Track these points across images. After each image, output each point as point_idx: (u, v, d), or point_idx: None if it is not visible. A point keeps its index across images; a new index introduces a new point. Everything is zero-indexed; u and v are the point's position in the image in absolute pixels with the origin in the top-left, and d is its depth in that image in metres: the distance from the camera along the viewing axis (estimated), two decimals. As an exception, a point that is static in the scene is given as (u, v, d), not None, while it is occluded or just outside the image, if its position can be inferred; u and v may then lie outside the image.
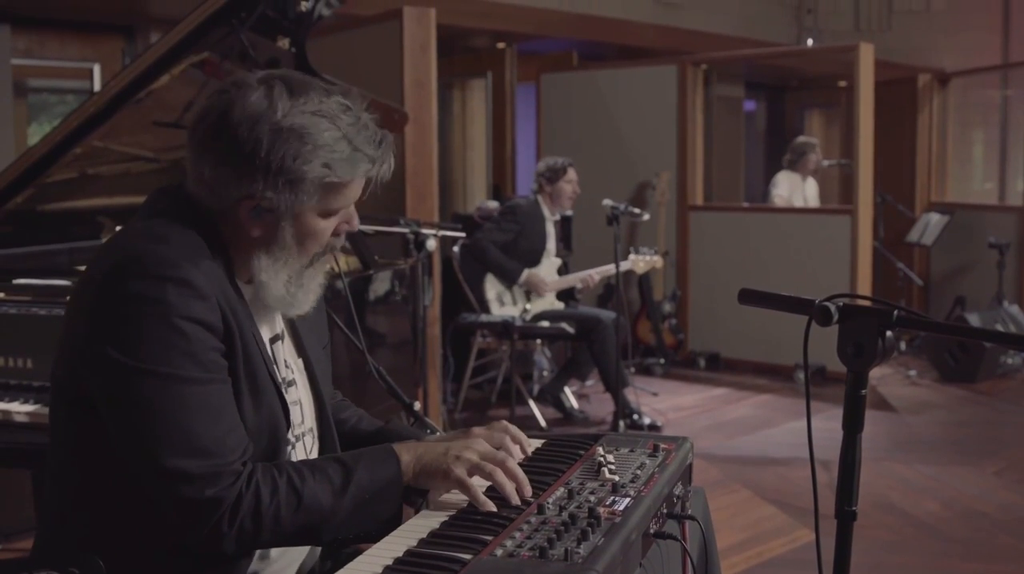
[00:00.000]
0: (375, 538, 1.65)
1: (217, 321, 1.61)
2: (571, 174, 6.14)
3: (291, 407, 1.79)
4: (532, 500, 1.68)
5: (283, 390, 1.76)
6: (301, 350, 1.91)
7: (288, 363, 1.85)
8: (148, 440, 1.54)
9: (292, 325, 1.89)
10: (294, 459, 1.80)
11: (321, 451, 1.91)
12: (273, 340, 1.81)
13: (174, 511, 1.56)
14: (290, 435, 1.78)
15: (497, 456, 1.73)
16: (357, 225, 1.79)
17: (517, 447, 1.84)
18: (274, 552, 1.77)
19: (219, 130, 1.65)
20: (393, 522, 1.68)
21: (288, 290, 1.74)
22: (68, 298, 1.71)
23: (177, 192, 1.74)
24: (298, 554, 1.86)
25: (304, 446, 1.86)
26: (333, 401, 2.08)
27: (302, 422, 1.86)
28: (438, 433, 2.12)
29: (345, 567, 1.49)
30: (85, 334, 1.59)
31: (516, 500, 1.67)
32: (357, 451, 1.75)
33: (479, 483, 1.70)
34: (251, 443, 1.63)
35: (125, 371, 1.54)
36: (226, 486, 1.56)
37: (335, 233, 1.76)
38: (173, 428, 1.54)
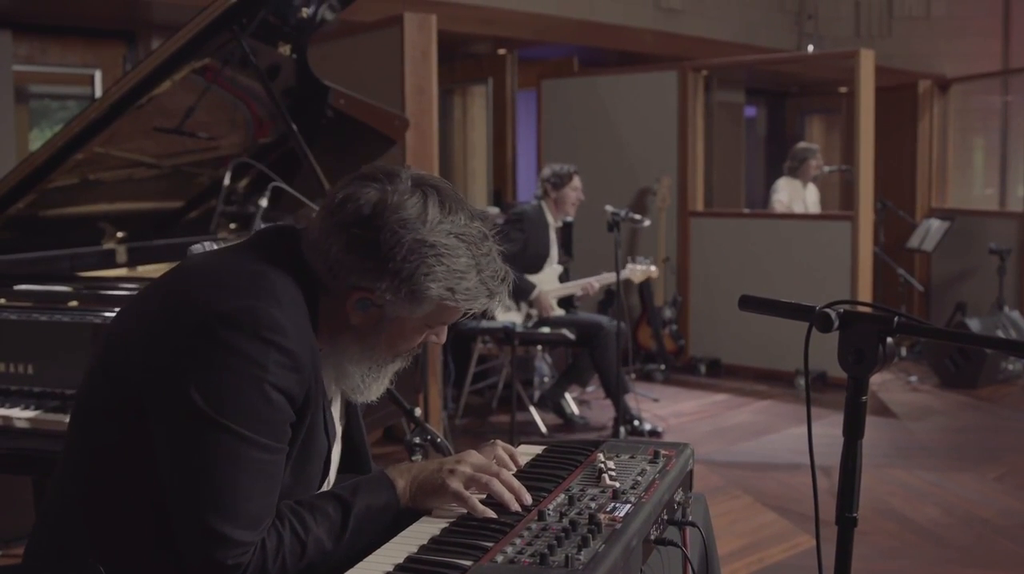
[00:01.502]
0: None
1: (300, 396, 1.62)
2: (576, 181, 6.15)
3: (331, 465, 1.83)
4: (532, 507, 1.68)
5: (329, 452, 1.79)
6: (347, 415, 1.95)
7: (332, 423, 1.86)
8: (201, 491, 1.54)
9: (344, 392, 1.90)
10: None
11: None
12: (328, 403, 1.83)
13: (195, 565, 1.55)
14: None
15: (491, 467, 1.76)
16: (444, 339, 1.82)
17: (509, 459, 1.87)
18: None
19: (367, 220, 1.65)
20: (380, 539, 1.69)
21: (365, 379, 1.77)
22: (141, 300, 1.71)
23: (295, 245, 1.73)
24: None
25: None
26: None
27: (330, 485, 1.88)
28: (439, 439, 2.13)
29: (346, 573, 1.49)
30: (171, 363, 1.57)
31: (515, 507, 1.69)
32: (354, 482, 1.76)
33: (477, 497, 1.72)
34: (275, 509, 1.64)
35: (202, 417, 1.53)
36: (246, 553, 1.56)
37: (423, 340, 1.79)
38: (229, 489, 1.54)
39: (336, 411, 1.90)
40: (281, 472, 1.62)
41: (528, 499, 1.71)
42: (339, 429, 1.91)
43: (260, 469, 1.56)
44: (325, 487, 1.86)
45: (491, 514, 1.67)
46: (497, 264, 1.72)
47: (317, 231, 1.70)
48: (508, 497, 1.70)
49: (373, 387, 1.79)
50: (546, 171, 6.23)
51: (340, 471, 1.95)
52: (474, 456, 1.80)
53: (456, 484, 1.72)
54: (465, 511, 1.70)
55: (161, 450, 1.58)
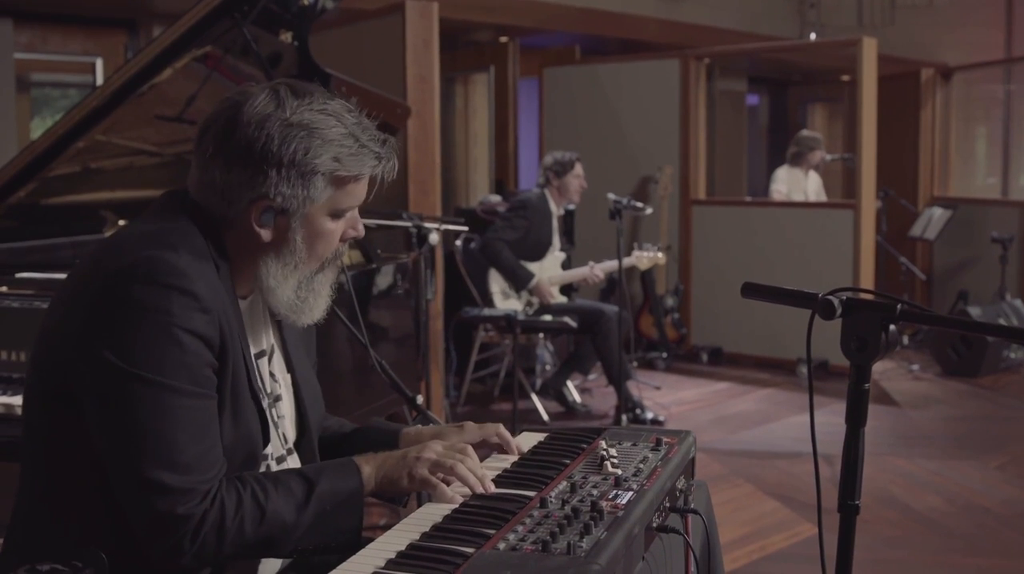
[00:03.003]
0: (337, 550, 1.66)
1: (215, 336, 1.61)
2: (578, 168, 6.14)
3: (279, 421, 1.81)
4: (535, 494, 1.68)
5: (265, 406, 1.76)
6: (290, 366, 1.91)
7: (276, 377, 1.85)
8: (131, 447, 1.54)
9: (282, 341, 1.90)
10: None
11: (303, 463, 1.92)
12: (259, 355, 1.82)
13: (143, 522, 1.56)
14: (269, 451, 1.78)
15: (456, 454, 1.77)
16: (363, 231, 1.80)
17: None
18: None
19: (229, 133, 1.66)
20: (354, 534, 1.68)
21: (299, 295, 1.75)
22: (61, 288, 1.70)
23: (186, 198, 1.74)
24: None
25: (293, 461, 1.87)
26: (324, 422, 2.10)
27: (286, 440, 1.87)
28: (439, 426, 2.13)
29: (349, 559, 1.50)
30: (81, 331, 1.58)
31: (480, 489, 1.71)
32: (320, 464, 1.77)
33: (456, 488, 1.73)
34: (225, 462, 1.63)
35: (119, 374, 1.54)
36: (196, 504, 1.56)
37: (341, 239, 1.77)
38: (158, 439, 1.54)
39: (279, 367, 1.87)
40: (212, 418, 1.61)
41: (491, 487, 1.73)
42: (285, 385, 1.88)
43: (186, 415, 1.56)
44: (287, 447, 1.86)
45: (459, 499, 1.69)
46: (374, 131, 1.73)
47: (197, 172, 1.71)
48: (473, 480, 1.72)
49: (311, 303, 1.77)
50: (548, 159, 6.23)
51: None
52: (437, 443, 1.81)
53: (422, 470, 1.73)
54: (464, 499, 1.70)
55: (91, 419, 1.58)
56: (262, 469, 1.75)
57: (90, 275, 1.63)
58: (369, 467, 1.74)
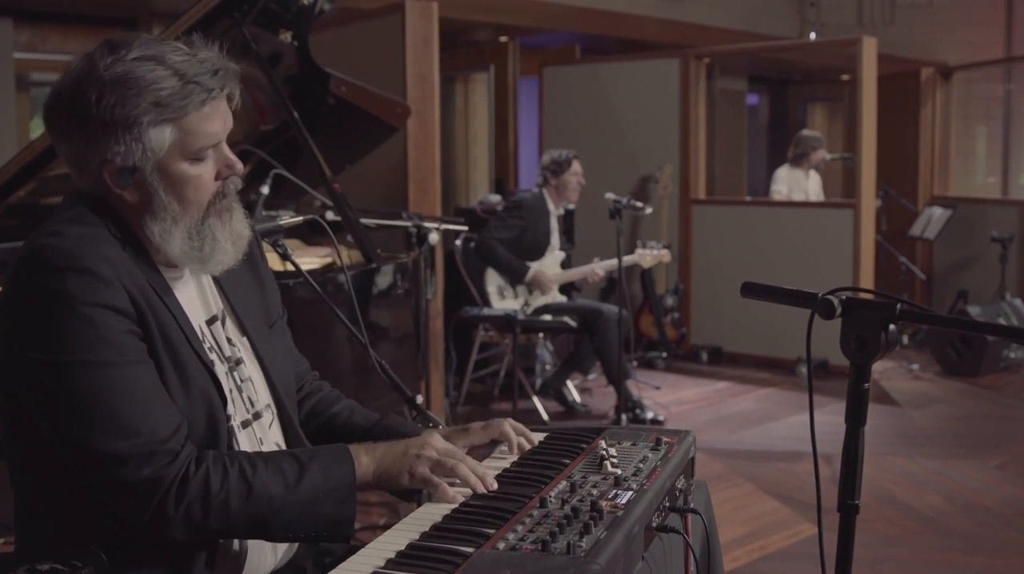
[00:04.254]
0: (330, 540, 1.66)
1: (125, 305, 1.59)
2: (576, 166, 6.14)
3: (242, 384, 1.79)
4: (535, 494, 1.68)
5: (224, 370, 1.75)
6: (243, 330, 1.88)
7: (233, 341, 1.83)
8: (77, 430, 1.55)
9: (230, 305, 1.86)
10: (253, 434, 1.80)
11: (282, 425, 1.90)
12: (211, 321, 1.80)
13: (114, 496, 1.57)
14: (231, 412, 1.75)
15: (457, 453, 1.76)
16: (239, 168, 1.74)
17: (515, 435, 1.86)
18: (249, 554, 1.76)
19: (55, 105, 1.66)
20: (346, 526, 1.67)
21: (192, 245, 1.70)
22: None
23: (73, 191, 1.73)
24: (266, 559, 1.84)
25: (263, 421, 1.84)
26: (318, 391, 2.09)
27: (257, 398, 1.84)
28: (440, 426, 2.12)
29: (348, 559, 1.49)
30: (3, 338, 1.60)
31: (481, 489, 1.70)
32: (314, 448, 1.75)
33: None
34: (185, 423, 1.62)
35: (43, 367, 1.55)
36: (163, 465, 1.56)
37: (219, 177, 1.72)
38: (98, 413, 1.54)
39: (233, 331, 1.84)
40: (151, 382, 1.60)
41: (493, 485, 1.72)
42: (244, 347, 1.86)
43: (120, 384, 1.56)
44: (258, 406, 1.84)
45: (460, 498, 1.68)
46: (207, 62, 1.67)
47: (64, 160, 1.71)
48: (474, 481, 1.70)
49: (208, 248, 1.72)
50: (545, 158, 6.23)
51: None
52: (438, 440, 1.79)
53: (423, 469, 1.72)
54: (465, 498, 1.70)
55: (39, 419, 1.59)
56: (225, 433, 1.71)
57: (3, 286, 1.63)
58: (367, 458, 1.72)
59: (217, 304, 1.83)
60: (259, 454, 1.68)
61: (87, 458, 1.55)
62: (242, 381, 1.80)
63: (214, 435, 1.69)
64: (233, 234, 1.76)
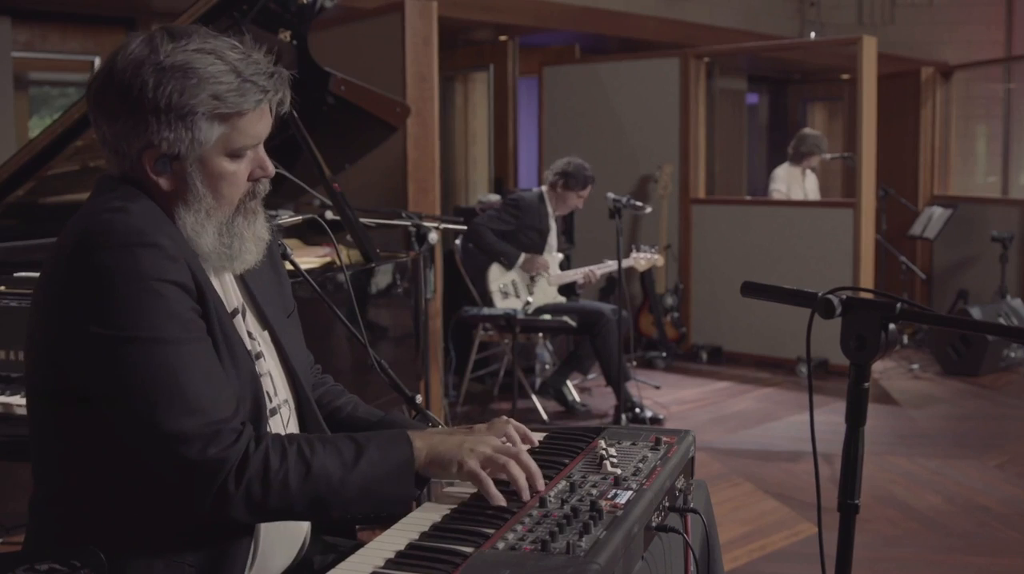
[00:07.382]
0: (386, 522, 1.64)
1: (190, 282, 1.60)
2: (588, 191, 6.10)
3: (262, 378, 1.78)
4: (533, 493, 1.67)
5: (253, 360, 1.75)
6: (265, 322, 1.88)
7: (253, 335, 1.83)
8: (142, 407, 1.53)
9: (252, 298, 1.87)
10: (272, 431, 1.79)
11: (300, 421, 1.90)
12: (233, 314, 1.79)
13: (179, 475, 1.55)
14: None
15: (510, 449, 1.73)
16: (271, 170, 1.75)
17: (519, 438, 1.85)
18: (264, 543, 1.75)
19: (106, 85, 1.65)
20: (405, 504, 1.67)
21: (222, 242, 1.71)
22: (35, 290, 1.67)
23: (113, 174, 1.72)
24: (289, 546, 1.84)
25: (281, 417, 1.84)
26: (322, 384, 2.09)
27: (275, 393, 1.84)
28: (439, 426, 2.12)
29: (347, 559, 1.49)
30: (61, 318, 1.57)
31: (527, 495, 1.66)
32: (368, 433, 1.74)
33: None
34: (243, 403, 1.62)
35: (109, 343, 1.53)
36: (227, 445, 1.55)
37: (251, 178, 1.73)
38: (165, 390, 1.53)
39: (253, 324, 1.84)
40: (213, 361, 1.60)
41: (542, 484, 1.69)
42: (264, 342, 1.86)
43: (187, 361, 1.55)
44: (277, 401, 1.83)
45: (502, 501, 1.65)
46: (261, 64, 1.68)
47: (97, 136, 1.70)
48: (523, 483, 1.67)
49: (236, 246, 1.73)
50: (569, 166, 6.07)
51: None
52: (493, 438, 1.77)
53: (474, 464, 1.69)
54: (466, 496, 1.69)
55: (98, 397, 1.57)
56: (267, 417, 1.72)
57: (54, 266, 1.61)
58: (421, 442, 1.71)
59: (238, 297, 1.83)
60: (317, 436, 1.68)
61: (151, 438, 1.54)
62: (261, 375, 1.80)
63: (258, 418, 1.70)
64: (256, 235, 1.77)
